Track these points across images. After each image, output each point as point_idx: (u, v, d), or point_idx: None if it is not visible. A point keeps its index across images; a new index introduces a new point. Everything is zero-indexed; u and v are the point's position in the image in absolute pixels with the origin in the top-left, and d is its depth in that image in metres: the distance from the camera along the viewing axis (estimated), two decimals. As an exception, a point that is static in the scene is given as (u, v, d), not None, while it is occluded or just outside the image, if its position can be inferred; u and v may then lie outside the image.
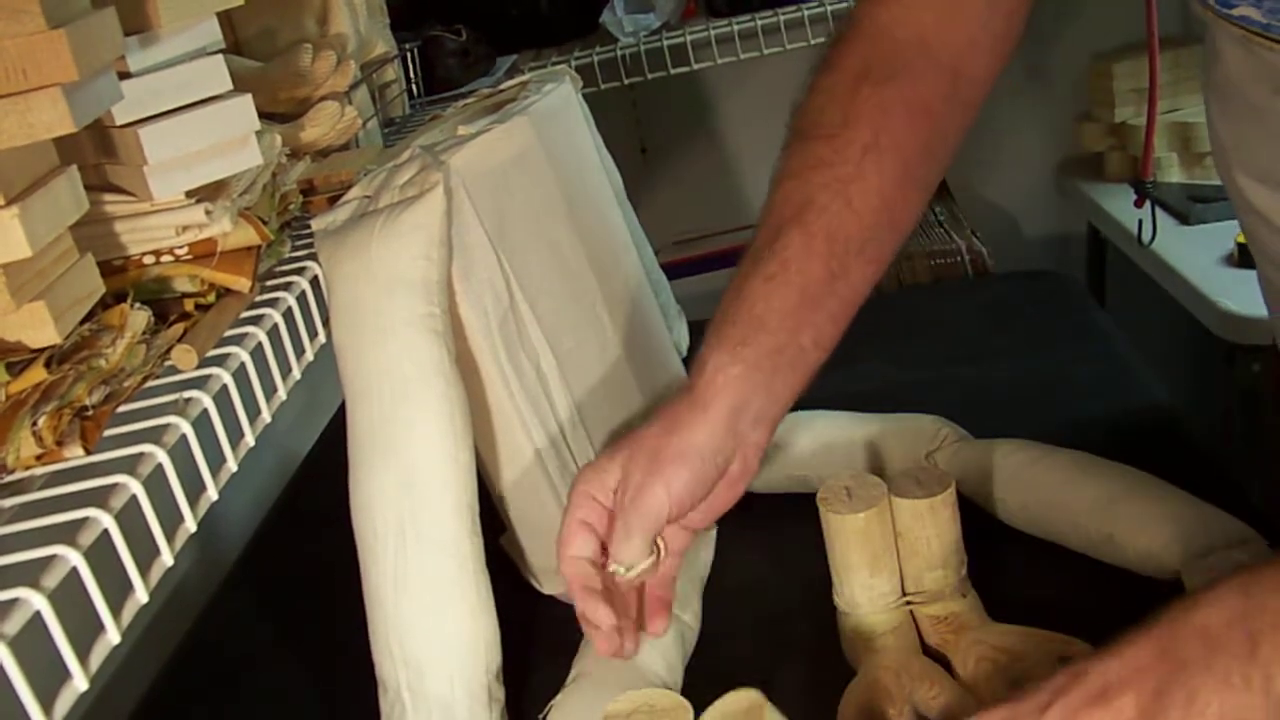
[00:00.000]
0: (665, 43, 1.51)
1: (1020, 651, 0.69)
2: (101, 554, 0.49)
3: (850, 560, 0.74)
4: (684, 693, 0.71)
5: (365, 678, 0.72)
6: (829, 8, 1.49)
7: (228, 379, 0.64)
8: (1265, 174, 0.72)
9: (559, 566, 0.71)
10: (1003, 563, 0.79)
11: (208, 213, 0.68)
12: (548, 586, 0.85)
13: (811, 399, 0.72)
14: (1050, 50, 1.83)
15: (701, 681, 0.76)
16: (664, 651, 0.75)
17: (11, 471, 0.55)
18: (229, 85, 0.69)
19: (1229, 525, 0.73)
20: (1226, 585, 0.51)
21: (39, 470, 0.55)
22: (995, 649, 0.70)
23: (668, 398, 0.72)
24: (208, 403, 0.61)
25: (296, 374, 0.72)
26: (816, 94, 0.73)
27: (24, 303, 0.55)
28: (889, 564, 0.74)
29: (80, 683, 0.48)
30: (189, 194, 0.68)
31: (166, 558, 0.54)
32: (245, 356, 0.66)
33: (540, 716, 0.72)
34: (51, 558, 0.48)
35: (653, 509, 0.68)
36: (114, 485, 0.53)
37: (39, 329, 0.56)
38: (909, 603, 0.75)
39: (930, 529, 0.73)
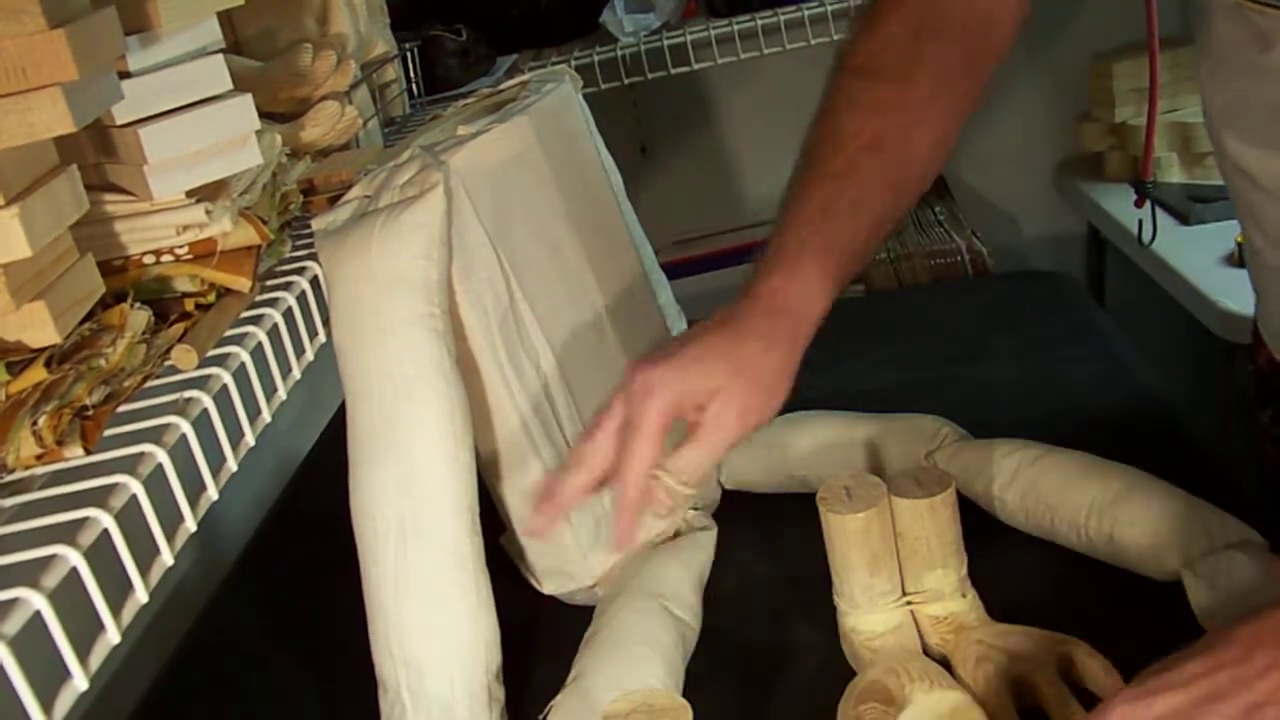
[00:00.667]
0: (665, 43, 1.51)
1: (1020, 652, 0.69)
2: (101, 554, 0.49)
3: (850, 560, 0.74)
4: (684, 693, 0.71)
5: (365, 678, 0.72)
6: (829, 7, 1.49)
7: (228, 379, 0.63)
8: (1254, 134, 0.73)
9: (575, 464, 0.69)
10: (1003, 563, 0.79)
11: (208, 212, 0.68)
12: (548, 586, 0.85)
13: (811, 399, 0.72)
14: (1050, 50, 1.83)
15: (702, 681, 0.76)
16: (664, 653, 0.75)
17: (11, 471, 0.55)
18: (229, 85, 0.68)
19: (1229, 525, 0.73)
20: None
21: (39, 470, 0.55)
22: (995, 649, 0.70)
23: (737, 301, 0.71)
24: (208, 402, 0.60)
25: (297, 374, 0.72)
26: (872, 36, 0.76)
27: (24, 302, 0.55)
28: (889, 564, 0.74)
29: (80, 682, 0.48)
30: (189, 194, 0.68)
31: (166, 558, 0.54)
32: (245, 356, 0.66)
33: (540, 717, 0.72)
34: (51, 558, 0.48)
35: (727, 438, 0.68)
36: (114, 485, 0.53)
37: (39, 329, 0.56)
38: (909, 602, 0.75)
39: (930, 529, 0.73)
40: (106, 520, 0.50)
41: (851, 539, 0.73)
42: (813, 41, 1.48)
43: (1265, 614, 0.55)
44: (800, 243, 0.71)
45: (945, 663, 0.71)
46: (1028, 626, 0.71)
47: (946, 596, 0.74)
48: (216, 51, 0.69)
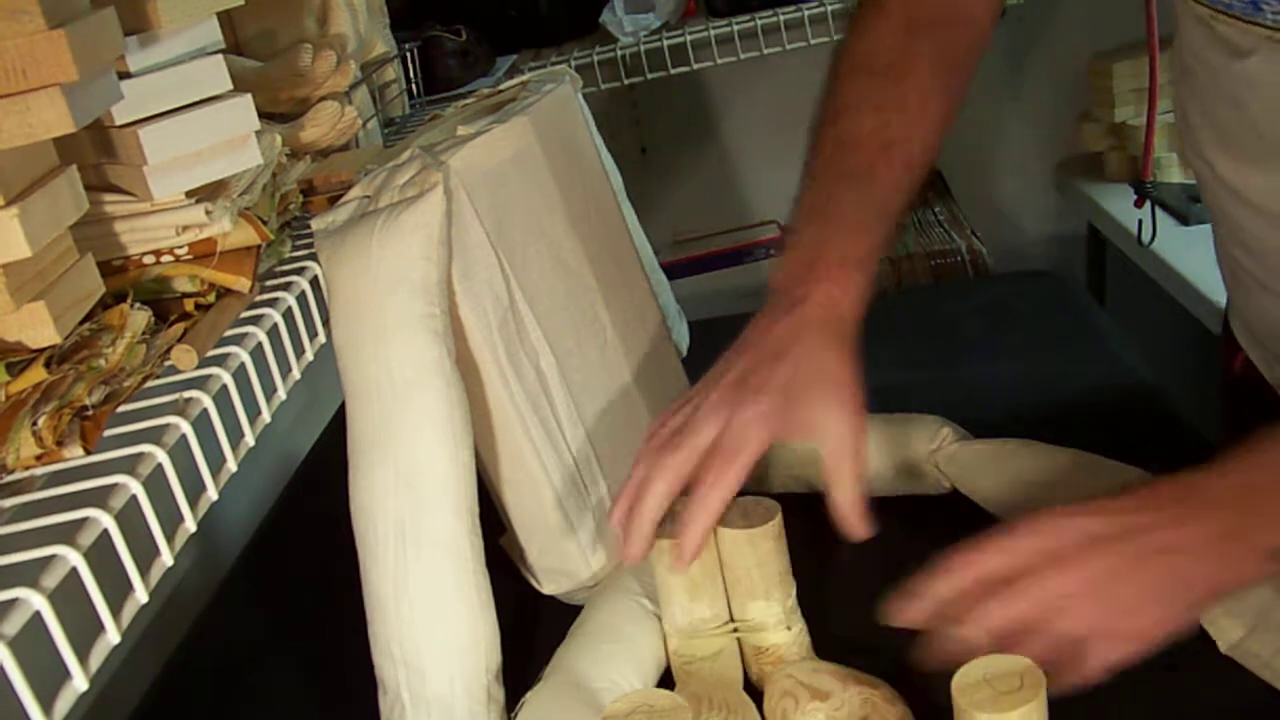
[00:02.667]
0: (665, 43, 1.51)
1: (824, 692, 0.67)
2: (101, 554, 0.49)
3: (669, 584, 0.73)
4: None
5: (365, 678, 0.72)
6: (829, 8, 1.49)
7: (228, 379, 0.63)
8: (1241, 151, 0.74)
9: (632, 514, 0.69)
10: (1003, 563, 0.79)
11: (208, 213, 0.68)
12: (548, 586, 0.85)
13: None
14: (1050, 50, 1.83)
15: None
16: (634, 650, 0.74)
17: (11, 471, 0.55)
18: (229, 85, 0.69)
19: (1229, 525, 0.73)
20: None
21: (39, 470, 0.55)
22: (801, 685, 0.68)
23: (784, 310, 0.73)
24: (208, 403, 0.61)
25: (296, 374, 0.72)
26: (868, 35, 0.81)
27: (24, 303, 0.55)
28: (710, 591, 0.72)
29: (80, 683, 0.48)
30: (189, 194, 0.68)
31: (166, 558, 0.54)
32: (245, 356, 0.66)
33: (512, 715, 0.72)
34: (51, 558, 0.48)
35: (855, 449, 0.70)
36: (114, 485, 0.53)
37: (39, 329, 0.56)
38: (735, 630, 0.73)
39: (750, 560, 0.71)
40: (106, 520, 0.50)
41: (668, 563, 0.72)
42: (813, 41, 1.49)
43: (1196, 476, 0.61)
44: (841, 254, 0.74)
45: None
46: (847, 668, 0.68)
47: (770, 628, 0.73)
48: (216, 52, 0.69)
